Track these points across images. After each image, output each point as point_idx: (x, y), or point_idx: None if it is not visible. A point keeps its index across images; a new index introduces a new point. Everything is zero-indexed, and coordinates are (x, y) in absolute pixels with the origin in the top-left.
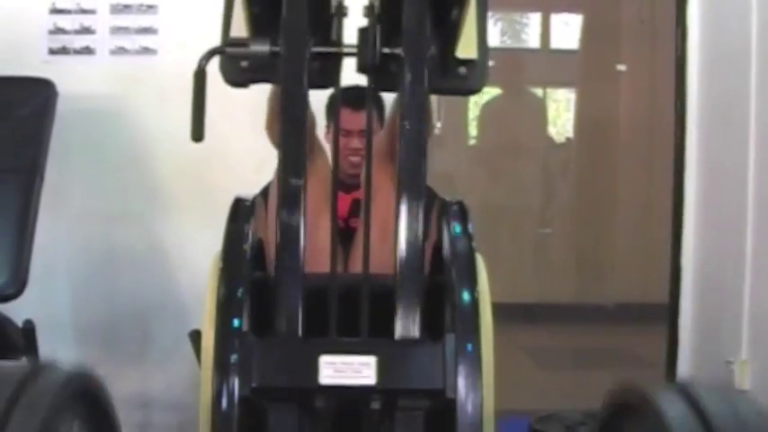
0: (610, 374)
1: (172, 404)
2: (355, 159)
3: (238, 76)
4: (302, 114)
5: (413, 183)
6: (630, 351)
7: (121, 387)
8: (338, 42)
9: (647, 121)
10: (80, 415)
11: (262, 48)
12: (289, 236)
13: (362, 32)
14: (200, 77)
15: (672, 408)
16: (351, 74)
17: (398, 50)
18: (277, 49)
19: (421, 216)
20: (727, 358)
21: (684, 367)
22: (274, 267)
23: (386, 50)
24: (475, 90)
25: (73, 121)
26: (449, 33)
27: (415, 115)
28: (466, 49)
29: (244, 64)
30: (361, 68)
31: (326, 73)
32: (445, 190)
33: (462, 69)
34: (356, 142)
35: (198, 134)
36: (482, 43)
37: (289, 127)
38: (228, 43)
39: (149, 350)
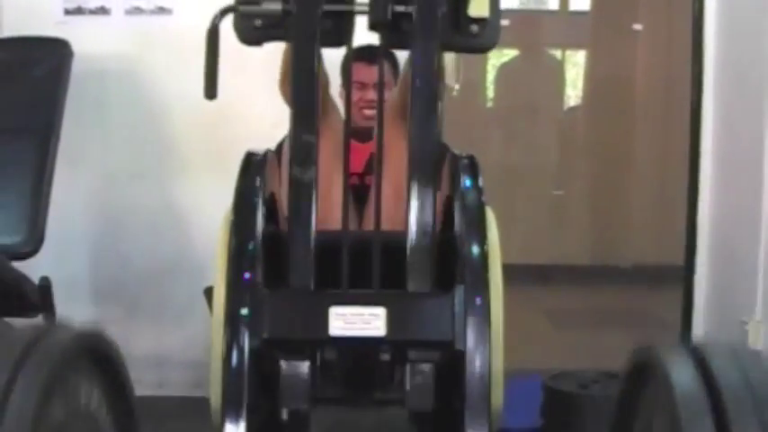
0: (625, 335)
1: (188, 362)
2: (370, 112)
3: (252, 34)
4: (314, 72)
5: (424, 139)
6: (646, 311)
7: (137, 345)
8: (350, 0)
9: (664, 82)
10: (90, 374)
11: (274, 6)
12: (301, 189)
13: None
14: (213, 36)
15: (680, 370)
16: (363, 33)
17: (410, 8)
18: (289, 7)
19: (432, 171)
20: (742, 318)
21: (699, 328)
22: (287, 220)
23: (398, 8)
24: (486, 48)
25: (88, 80)
26: None
27: (427, 72)
28: (478, 7)
29: (257, 23)
30: (373, 26)
31: (339, 32)
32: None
33: (474, 27)
34: (371, 94)
35: (211, 92)
36: (494, 1)
37: (301, 84)
38: (241, 2)
39: (165, 308)
